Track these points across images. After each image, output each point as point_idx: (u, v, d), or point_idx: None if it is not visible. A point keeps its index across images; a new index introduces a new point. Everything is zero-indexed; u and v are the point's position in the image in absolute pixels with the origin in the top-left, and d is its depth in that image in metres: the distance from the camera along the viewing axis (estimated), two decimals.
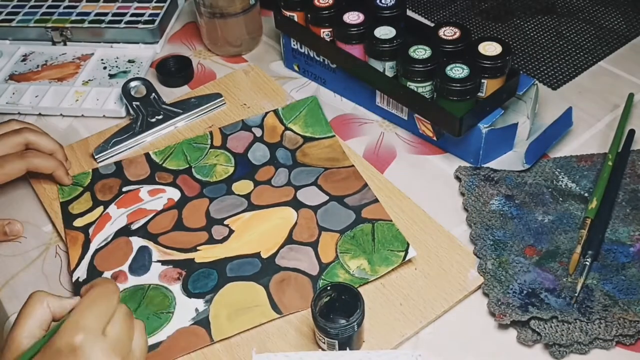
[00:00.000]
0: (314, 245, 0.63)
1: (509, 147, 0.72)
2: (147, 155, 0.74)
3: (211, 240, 0.64)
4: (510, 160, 0.71)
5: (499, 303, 0.57)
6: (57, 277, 0.63)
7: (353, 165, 0.70)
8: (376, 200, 0.66)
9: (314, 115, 0.77)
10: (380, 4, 0.76)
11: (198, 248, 0.64)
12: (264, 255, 0.62)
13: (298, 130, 0.75)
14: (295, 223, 0.65)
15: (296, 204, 0.67)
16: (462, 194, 0.68)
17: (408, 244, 0.62)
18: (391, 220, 0.64)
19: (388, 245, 0.62)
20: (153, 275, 0.61)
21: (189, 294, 0.60)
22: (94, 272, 0.62)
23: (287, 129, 0.76)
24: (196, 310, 0.58)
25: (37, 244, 0.66)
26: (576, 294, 0.56)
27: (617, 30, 0.89)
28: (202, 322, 0.57)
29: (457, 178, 0.70)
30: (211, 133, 0.76)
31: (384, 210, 0.65)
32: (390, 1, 0.76)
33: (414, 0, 0.98)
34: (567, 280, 0.58)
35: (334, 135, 0.74)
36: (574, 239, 0.62)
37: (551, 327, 0.55)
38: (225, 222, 0.66)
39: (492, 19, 0.93)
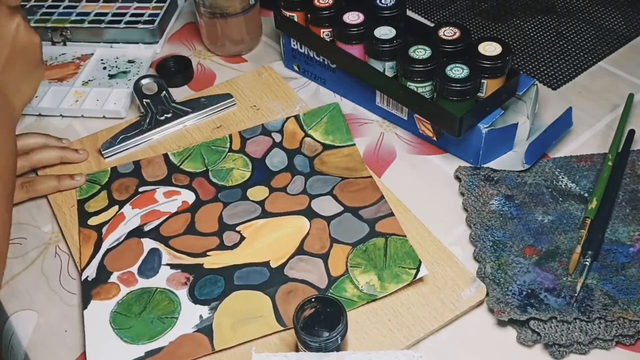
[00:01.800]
0: (325, 257, 0.62)
1: (509, 147, 0.72)
2: (165, 156, 0.73)
3: (221, 246, 0.64)
4: (510, 160, 0.71)
5: (498, 302, 0.57)
6: (57, 277, 0.63)
7: (371, 176, 0.69)
8: (392, 214, 0.65)
9: (336, 122, 0.76)
10: (380, 4, 0.76)
11: (208, 253, 0.63)
12: (273, 265, 0.62)
13: (318, 137, 0.74)
14: (308, 233, 0.64)
15: (310, 214, 0.66)
16: (462, 194, 0.68)
17: (420, 262, 0.60)
18: (405, 236, 0.63)
19: (400, 262, 0.61)
20: (161, 279, 0.61)
21: (195, 300, 0.59)
22: (103, 272, 0.62)
23: (307, 135, 0.75)
24: (200, 317, 0.58)
25: (36, 244, 0.66)
26: (576, 294, 0.57)
27: (617, 30, 0.89)
28: (205, 329, 0.57)
29: (457, 178, 0.70)
30: (230, 136, 0.75)
31: (399, 225, 0.64)
32: (390, 1, 0.76)
33: (414, 0, 0.98)
34: (567, 279, 0.58)
35: (354, 144, 0.73)
36: (573, 239, 0.62)
37: (551, 327, 0.55)
38: (237, 229, 0.65)
39: (492, 19, 0.93)
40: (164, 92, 0.80)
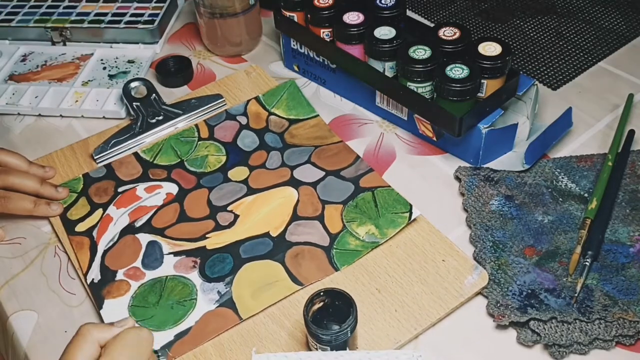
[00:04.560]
0: (320, 218, 0.65)
1: (509, 147, 0.72)
2: (136, 154, 0.74)
3: (218, 227, 0.65)
4: (510, 161, 0.71)
5: (498, 305, 0.57)
6: (57, 277, 0.63)
7: (342, 141, 0.73)
8: (371, 170, 0.69)
9: (295, 98, 0.79)
10: (380, 4, 0.76)
11: (207, 236, 0.65)
12: (274, 234, 0.64)
13: (282, 114, 0.77)
14: (298, 200, 0.67)
15: (295, 183, 0.69)
16: (462, 195, 0.68)
17: (411, 205, 0.64)
18: (389, 186, 0.66)
19: (392, 209, 0.64)
20: (168, 267, 0.62)
21: (208, 279, 0.61)
22: (107, 272, 0.62)
23: (270, 114, 0.77)
24: (218, 293, 0.59)
25: (36, 243, 0.66)
26: (576, 294, 0.56)
27: (616, 31, 0.89)
28: (227, 303, 0.59)
29: (457, 178, 0.70)
30: (197, 126, 0.77)
31: (381, 177, 0.68)
32: (390, 1, 0.76)
33: (414, 1, 0.98)
34: (567, 280, 0.58)
35: (317, 115, 0.76)
36: (573, 239, 0.62)
37: (551, 327, 0.55)
38: (229, 208, 0.67)
39: (492, 19, 0.93)
40: (154, 94, 0.80)
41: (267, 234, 0.64)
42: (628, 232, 0.62)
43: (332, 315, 0.52)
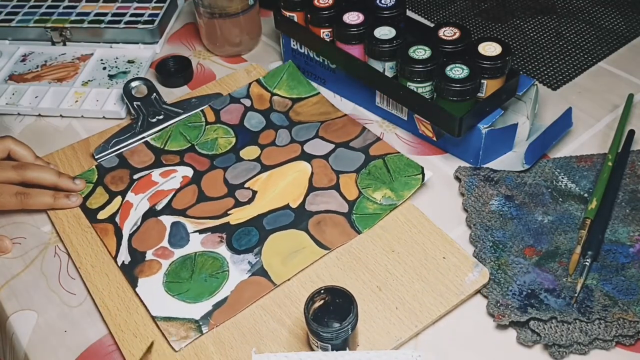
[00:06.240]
0: (336, 187, 0.67)
1: (509, 147, 0.72)
2: (146, 143, 0.75)
3: (238, 204, 0.67)
4: (510, 161, 0.71)
5: (498, 304, 0.57)
6: (57, 277, 0.63)
7: (346, 115, 0.76)
8: (379, 139, 0.71)
9: (295, 78, 0.81)
10: (380, 4, 0.76)
11: (229, 212, 0.66)
12: (294, 205, 0.66)
13: (284, 94, 0.79)
14: (312, 173, 0.69)
15: (307, 157, 0.71)
16: (462, 195, 0.68)
17: (422, 167, 0.67)
18: (399, 152, 0.69)
19: (404, 173, 0.68)
20: (195, 244, 0.64)
21: (237, 251, 0.62)
22: (136, 254, 0.63)
23: (273, 94, 0.79)
24: (249, 263, 0.61)
25: (36, 243, 0.66)
26: (576, 294, 0.56)
27: (616, 31, 0.89)
28: (259, 271, 0.60)
29: (457, 178, 0.70)
30: (203, 111, 0.78)
31: (389, 145, 0.71)
32: (390, 1, 0.76)
33: (414, 1, 0.98)
34: (567, 280, 0.58)
35: (318, 93, 0.79)
36: (573, 239, 0.62)
37: (551, 327, 0.55)
38: (246, 185, 0.69)
39: (492, 19, 0.93)
40: (154, 94, 0.80)
41: (287, 206, 0.66)
42: (628, 232, 0.62)
43: (333, 313, 0.53)
